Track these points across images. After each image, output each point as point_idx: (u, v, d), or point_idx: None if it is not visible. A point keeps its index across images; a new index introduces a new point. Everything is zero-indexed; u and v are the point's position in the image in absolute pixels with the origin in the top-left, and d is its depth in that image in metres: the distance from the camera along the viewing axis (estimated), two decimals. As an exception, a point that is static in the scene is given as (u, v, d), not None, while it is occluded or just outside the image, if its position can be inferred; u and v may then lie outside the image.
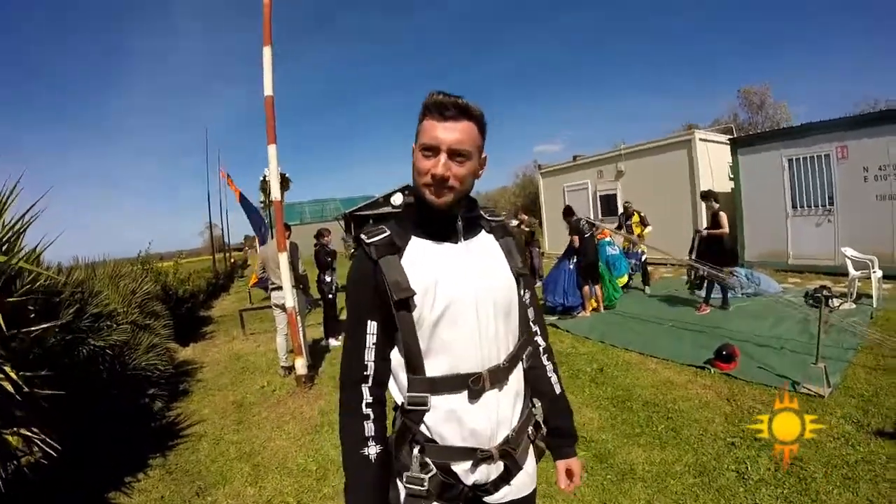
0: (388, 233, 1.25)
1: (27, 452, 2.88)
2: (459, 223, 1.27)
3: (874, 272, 6.59)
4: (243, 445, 4.19)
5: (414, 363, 1.20)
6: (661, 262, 12.21)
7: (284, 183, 9.40)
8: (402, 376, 1.24)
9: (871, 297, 6.54)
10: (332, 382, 5.58)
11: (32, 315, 3.12)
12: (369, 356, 1.24)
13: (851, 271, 6.87)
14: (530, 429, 1.37)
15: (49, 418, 2.96)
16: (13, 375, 2.64)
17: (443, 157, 1.16)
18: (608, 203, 14.36)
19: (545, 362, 1.50)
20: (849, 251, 7.13)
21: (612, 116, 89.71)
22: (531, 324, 1.47)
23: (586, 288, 7.78)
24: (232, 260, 26.96)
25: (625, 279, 8.96)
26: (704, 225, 7.39)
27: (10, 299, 2.86)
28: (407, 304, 1.17)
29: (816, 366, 4.14)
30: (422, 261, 1.22)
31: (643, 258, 9.56)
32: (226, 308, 13.26)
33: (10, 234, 3.02)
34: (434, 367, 1.20)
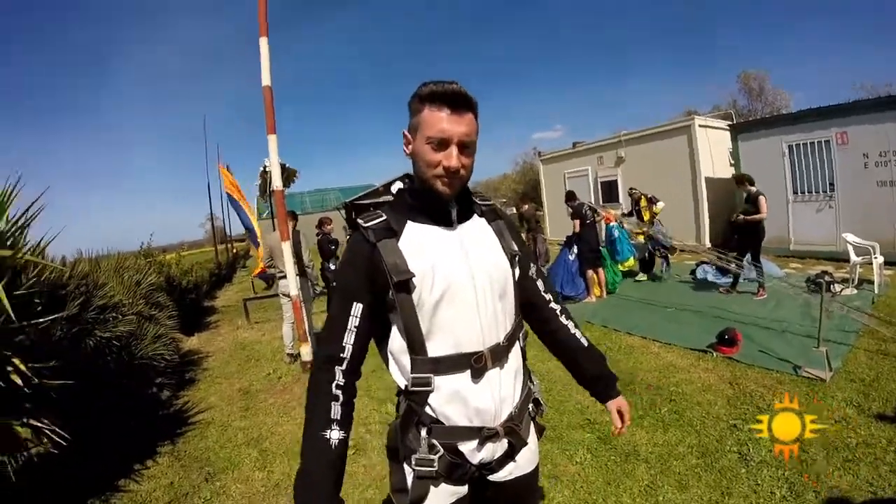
0: (384, 217, 1.26)
1: (37, 443, 2.92)
2: (454, 209, 1.29)
3: (875, 258, 6.61)
4: (251, 431, 4.23)
5: (416, 344, 1.21)
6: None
7: (291, 175, 9.40)
8: (405, 359, 1.24)
9: (872, 282, 6.56)
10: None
11: (39, 308, 3.15)
12: (349, 339, 1.23)
13: (853, 257, 6.88)
14: (531, 405, 1.42)
15: (58, 409, 3.00)
16: (22, 367, 2.66)
17: (454, 149, 1.18)
18: (609, 189, 14.35)
19: (565, 322, 1.53)
20: (850, 237, 7.13)
21: (611, 104, 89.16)
22: (543, 293, 1.51)
23: (590, 273, 7.80)
24: (234, 251, 26.95)
25: (631, 262, 8.86)
26: (737, 212, 7.16)
27: (17, 292, 2.89)
28: (407, 285, 1.18)
29: (818, 350, 4.16)
30: (419, 244, 1.23)
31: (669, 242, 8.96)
32: (229, 298, 13.30)
33: (14, 229, 3.03)
34: (436, 348, 1.22)
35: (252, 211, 10.88)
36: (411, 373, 1.22)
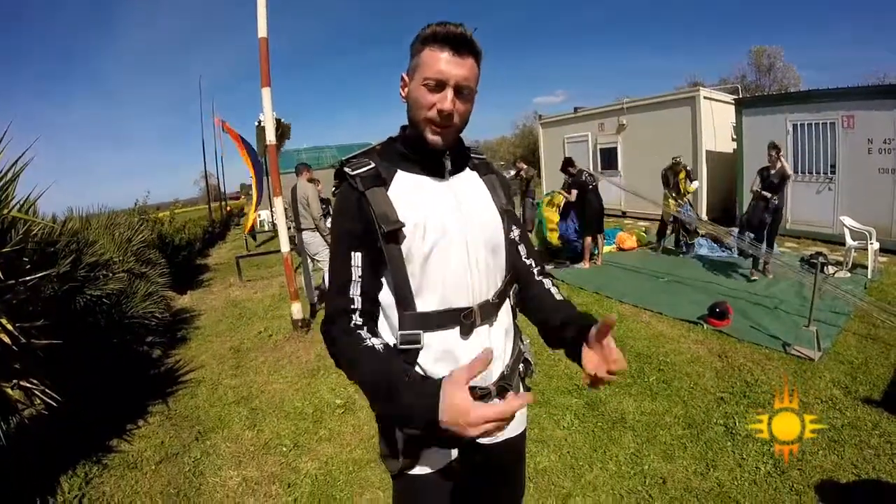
0: (372, 165, 1.20)
1: (28, 405, 2.91)
2: (447, 159, 1.23)
3: (871, 244, 6.58)
4: (241, 390, 4.26)
5: (404, 299, 1.17)
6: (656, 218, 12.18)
7: (284, 131, 9.26)
8: (393, 315, 1.20)
9: (866, 267, 6.55)
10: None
11: (28, 266, 3.09)
12: (355, 290, 1.18)
13: (849, 241, 6.85)
14: (521, 365, 1.38)
15: (48, 369, 2.97)
16: (9, 327, 2.62)
17: (449, 92, 1.12)
18: (609, 156, 14.19)
19: (538, 278, 1.41)
20: (847, 220, 7.08)
21: (616, 71, 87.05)
22: (524, 259, 1.42)
23: (588, 240, 7.80)
24: (228, 208, 26.78)
25: (606, 249, 8.78)
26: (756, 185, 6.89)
27: (4, 250, 2.83)
28: (396, 236, 1.14)
29: (808, 329, 4.19)
30: (409, 194, 1.18)
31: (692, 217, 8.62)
32: (222, 256, 13.25)
33: (2, 183, 2.95)
34: (425, 303, 1.18)
35: (251, 165, 10.77)
36: (399, 329, 1.18)
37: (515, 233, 1.40)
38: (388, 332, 1.24)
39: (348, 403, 3.80)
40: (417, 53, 1.15)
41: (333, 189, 1.29)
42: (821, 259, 5.08)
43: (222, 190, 28.69)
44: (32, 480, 3.02)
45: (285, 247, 5.49)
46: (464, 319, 1.20)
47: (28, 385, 2.76)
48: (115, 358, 4.31)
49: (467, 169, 1.32)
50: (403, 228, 1.14)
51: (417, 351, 1.19)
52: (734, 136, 11.27)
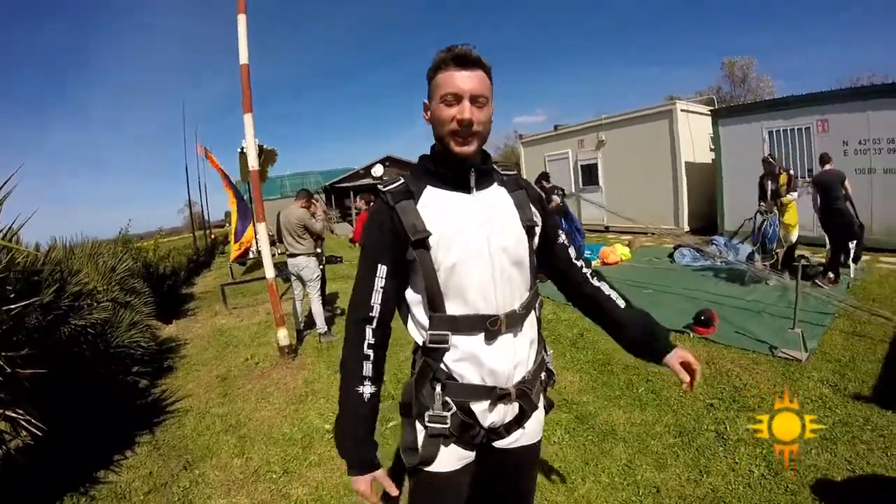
0: (402, 181, 1.32)
1: (14, 436, 2.85)
2: (472, 174, 1.31)
3: (852, 244, 6.68)
4: (229, 418, 4.20)
5: (435, 302, 1.26)
6: (642, 231, 12.33)
7: (270, 156, 9.25)
8: (423, 316, 1.30)
9: (848, 267, 6.65)
10: (314, 353, 5.64)
11: (12, 295, 3.05)
12: (376, 298, 1.29)
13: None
14: (543, 374, 1.46)
15: (33, 399, 2.92)
16: (-6, 355, 2.59)
17: (466, 103, 1.22)
18: (589, 172, 14.39)
19: (597, 284, 1.51)
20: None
21: (593, 90, 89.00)
22: (575, 261, 1.51)
23: None
24: (213, 237, 26.61)
25: (597, 263, 8.81)
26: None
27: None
28: (424, 243, 1.23)
29: (794, 331, 4.24)
30: (436, 208, 1.27)
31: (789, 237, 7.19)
32: (208, 284, 13.13)
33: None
34: (454, 307, 1.27)
35: (233, 194, 10.73)
36: (429, 330, 1.28)
37: (562, 237, 1.52)
38: (416, 332, 1.35)
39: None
40: (433, 79, 1.27)
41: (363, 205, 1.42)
42: (802, 262, 5.14)
43: (206, 218, 28.52)
44: (18, 513, 2.94)
45: (270, 273, 5.46)
46: (490, 326, 1.27)
47: (13, 415, 2.71)
48: (101, 388, 4.23)
49: (495, 184, 1.38)
50: (430, 238, 1.23)
51: (444, 350, 1.28)
52: (712, 147, 11.48)
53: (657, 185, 12.14)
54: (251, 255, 14.42)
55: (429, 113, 1.31)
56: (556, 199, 8.03)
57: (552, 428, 3.43)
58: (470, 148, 1.26)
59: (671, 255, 8.89)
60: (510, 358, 1.30)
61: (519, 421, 1.36)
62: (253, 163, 5.33)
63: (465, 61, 1.22)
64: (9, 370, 2.66)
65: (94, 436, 3.85)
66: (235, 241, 10.15)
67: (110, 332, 4.66)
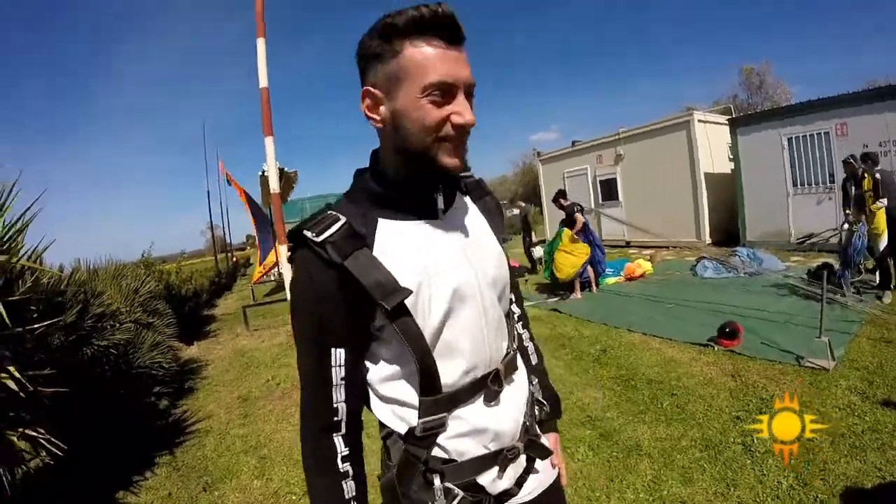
0: (343, 220, 0.89)
1: (34, 455, 2.88)
2: (439, 195, 0.95)
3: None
4: (249, 439, 4.20)
5: (429, 381, 0.92)
6: (664, 245, 12.21)
7: (289, 179, 9.38)
8: (403, 395, 0.96)
9: (874, 272, 6.48)
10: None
11: (35, 315, 3.12)
12: (338, 396, 0.95)
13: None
14: (536, 409, 1.19)
15: (54, 419, 2.96)
16: (17, 374, 2.63)
17: (461, 96, 0.85)
18: (609, 187, 14.31)
19: (521, 331, 1.29)
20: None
21: (609, 102, 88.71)
22: (514, 305, 1.25)
23: (589, 269, 7.89)
24: (234, 259, 26.99)
25: (612, 280, 8.66)
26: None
27: (12, 298, 2.86)
28: (403, 308, 0.87)
29: (820, 340, 4.13)
30: (401, 249, 0.91)
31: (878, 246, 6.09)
32: (229, 306, 13.29)
33: (11, 232, 3.01)
34: (447, 377, 0.94)
35: (255, 221, 10.89)
36: (421, 418, 0.94)
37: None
38: (392, 417, 0.99)
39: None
40: (393, 54, 0.83)
41: (288, 255, 1.00)
42: (827, 270, 5.03)
43: (228, 241, 28.97)
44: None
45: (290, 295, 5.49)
46: (491, 384, 0.99)
47: (34, 434, 2.74)
48: (122, 408, 4.28)
49: (458, 195, 1.06)
50: (409, 297, 0.88)
51: (438, 434, 0.96)
52: (731, 156, 11.37)
53: (677, 198, 12.02)
54: (272, 278, 14.63)
55: (383, 110, 0.88)
56: (580, 216, 7.97)
57: (575, 445, 3.37)
58: (461, 159, 0.90)
59: (693, 269, 8.75)
60: (515, 414, 1.03)
61: (529, 470, 1.09)
62: (274, 185, 5.40)
63: (454, 32, 0.84)
64: (31, 389, 2.69)
65: (114, 456, 3.88)
66: (259, 264, 10.30)
67: (132, 352, 4.73)
